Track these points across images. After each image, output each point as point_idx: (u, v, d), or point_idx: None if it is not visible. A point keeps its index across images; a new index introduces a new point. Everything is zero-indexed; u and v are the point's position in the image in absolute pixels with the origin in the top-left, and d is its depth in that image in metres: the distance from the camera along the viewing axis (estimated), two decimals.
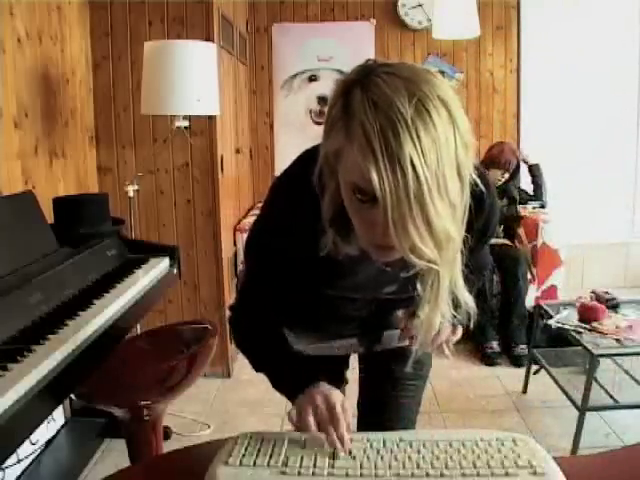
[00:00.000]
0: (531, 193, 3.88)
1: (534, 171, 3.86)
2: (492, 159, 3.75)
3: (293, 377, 1.10)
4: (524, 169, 3.89)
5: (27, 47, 2.28)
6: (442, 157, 0.83)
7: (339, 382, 1.42)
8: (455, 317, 1.02)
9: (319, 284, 1.15)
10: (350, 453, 0.94)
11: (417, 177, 0.80)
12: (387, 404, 1.39)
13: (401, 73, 0.85)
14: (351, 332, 1.30)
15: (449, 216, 0.84)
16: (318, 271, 1.09)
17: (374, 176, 0.80)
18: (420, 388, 1.44)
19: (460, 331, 1.14)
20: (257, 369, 1.20)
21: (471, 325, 1.06)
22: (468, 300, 0.99)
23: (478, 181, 0.94)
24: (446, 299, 0.96)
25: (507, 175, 3.74)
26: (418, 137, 0.81)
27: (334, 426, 0.98)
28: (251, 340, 1.22)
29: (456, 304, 1.00)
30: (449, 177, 0.84)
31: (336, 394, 1.04)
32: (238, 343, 1.24)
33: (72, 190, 2.65)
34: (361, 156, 0.82)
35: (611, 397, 2.53)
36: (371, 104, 0.82)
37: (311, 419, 0.99)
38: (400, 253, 0.87)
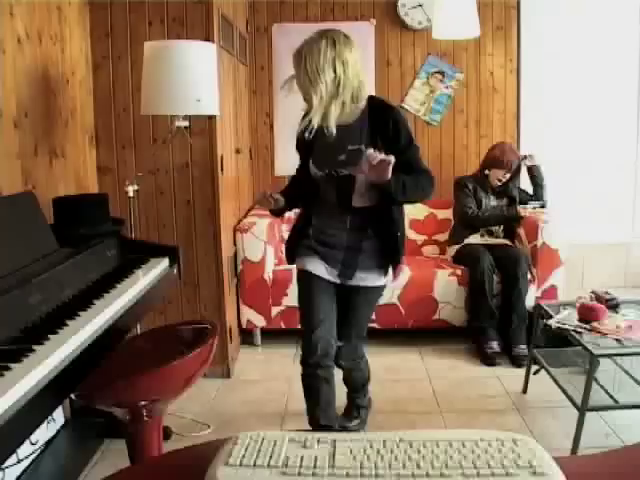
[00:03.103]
0: (531, 193, 3.88)
1: (533, 171, 3.86)
2: (494, 159, 3.75)
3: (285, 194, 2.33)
4: (524, 169, 3.89)
5: (27, 47, 2.28)
6: (319, 58, 2.06)
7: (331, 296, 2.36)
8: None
9: (309, 160, 2.26)
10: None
11: (305, 61, 2.08)
12: (347, 314, 2.37)
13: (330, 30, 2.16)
14: (335, 263, 2.28)
15: (322, 82, 2.07)
16: (311, 145, 2.23)
17: (293, 63, 2.14)
18: (359, 315, 2.40)
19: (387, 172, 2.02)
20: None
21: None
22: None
23: (373, 97, 2.25)
24: (334, 107, 2.13)
25: (508, 175, 3.74)
26: (310, 46, 2.09)
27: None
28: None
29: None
30: (325, 68, 2.07)
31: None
32: None
33: (72, 190, 2.65)
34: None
35: (611, 397, 2.53)
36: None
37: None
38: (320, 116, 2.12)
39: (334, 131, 2.12)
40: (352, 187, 2.19)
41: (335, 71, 2.06)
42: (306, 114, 2.16)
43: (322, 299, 2.29)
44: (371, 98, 2.23)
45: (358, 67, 2.15)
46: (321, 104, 2.09)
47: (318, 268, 2.29)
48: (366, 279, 2.29)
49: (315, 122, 2.09)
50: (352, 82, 2.11)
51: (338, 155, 2.18)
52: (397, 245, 2.28)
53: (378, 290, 2.38)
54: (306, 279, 2.32)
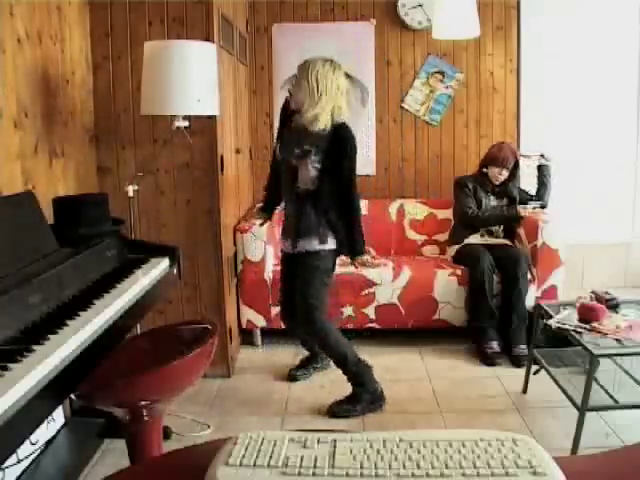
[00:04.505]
0: (531, 193, 3.87)
1: (543, 171, 3.84)
2: (490, 157, 3.77)
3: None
4: (529, 168, 3.88)
5: (27, 47, 2.28)
6: (319, 78, 2.70)
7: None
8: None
9: (278, 145, 2.93)
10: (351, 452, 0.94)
11: (308, 76, 2.72)
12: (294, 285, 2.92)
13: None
14: (289, 234, 2.90)
15: (317, 94, 2.70)
16: (282, 134, 2.94)
17: (297, 69, 2.82)
18: (302, 280, 2.85)
19: None
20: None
21: None
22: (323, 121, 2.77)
23: (344, 125, 2.77)
24: (322, 109, 2.73)
25: (505, 173, 3.74)
26: (315, 66, 2.74)
27: None
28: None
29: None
30: (326, 84, 2.70)
31: None
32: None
33: (72, 190, 2.65)
34: None
35: (611, 397, 2.53)
36: None
37: None
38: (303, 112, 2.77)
39: (327, 128, 2.74)
40: (297, 175, 2.80)
41: (331, 89, 2.72)
42: (286, 108, 2.93)
43: (283, 276, 3.08)
44: (342, 125, 2.76)
45: (341, 92, 2.76)
46: (312, 106, 2.71)
47: (283, 243, 2.99)
48: (305, 245, 2.82)
49: (310, 115, 2.73)
50: (335, 100, 2.73)
51: (296, 148, 2.79)
52: (352, 234, 2.80)
53: (313, 255, 2.82)
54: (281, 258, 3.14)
